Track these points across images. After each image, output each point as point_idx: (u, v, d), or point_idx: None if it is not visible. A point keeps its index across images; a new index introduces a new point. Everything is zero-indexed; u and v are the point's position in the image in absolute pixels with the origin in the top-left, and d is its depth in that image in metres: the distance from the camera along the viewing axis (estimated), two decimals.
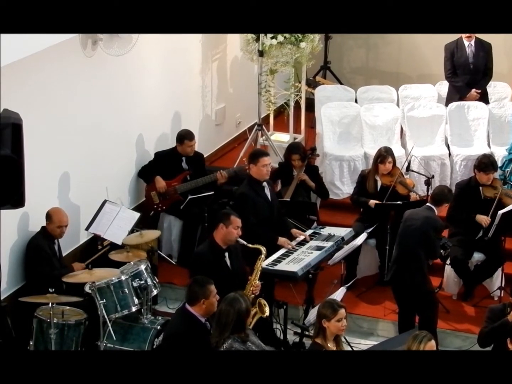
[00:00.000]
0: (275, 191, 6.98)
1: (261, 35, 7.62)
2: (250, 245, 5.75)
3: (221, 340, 4.82)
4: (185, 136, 7.14)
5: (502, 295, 6.62)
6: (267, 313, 5.52)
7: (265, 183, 6.49)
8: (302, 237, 6.49)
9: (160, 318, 5.99)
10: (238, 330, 4.83)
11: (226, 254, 5.78)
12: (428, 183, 6.85)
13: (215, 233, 5.77)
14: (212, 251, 5.72)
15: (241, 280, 5.71)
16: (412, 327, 5.97)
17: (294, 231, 6.53)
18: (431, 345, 4.61)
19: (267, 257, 5.99)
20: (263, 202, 6.44)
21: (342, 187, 7.68)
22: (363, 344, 6.38)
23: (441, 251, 6.24)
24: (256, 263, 5.72)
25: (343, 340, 5.87)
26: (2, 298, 5.50)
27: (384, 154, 6.82)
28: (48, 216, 6.05)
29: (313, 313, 5.66)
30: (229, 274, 5.69)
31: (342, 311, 4.84)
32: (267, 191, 6.50)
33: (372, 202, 6.74)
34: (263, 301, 5.54)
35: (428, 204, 6.21)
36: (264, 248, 5.78)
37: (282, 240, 6.38)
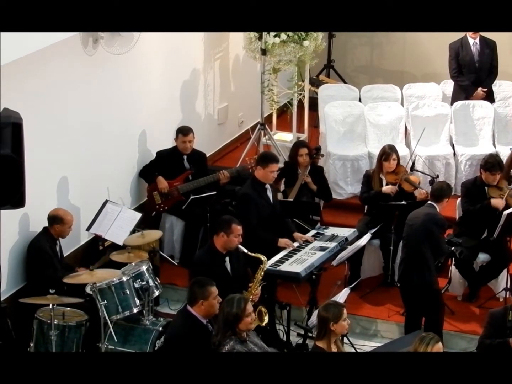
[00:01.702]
0: (278, 191, 6.93)
1: (264, 34, 7.58)
2: (251, 254, 5.70)
3: (217, 341, 4.80)
4: (180, 131, 7.11)
5: (507, 296, 6.56)
6: (266, 321, 5.49)
7: (267, 185, 6.44)
8: (304, 240, 6.44)
9: (161, 319, 5.95)
10: (230, 331, 4.81)
11: (227, 258, 5.75)
12: (433, 183, 6.80)
13: (215, 239, 5.72)
14: (211, 257, 5.69)
15: (242, 284, 5.66)
16: (418, 328, 5.91)
17: (296, 235, 6.48)
18: (439, 347, 4.58)
19: (268, 258, 5.93)
20: (265, 204, 6.39)
21: (346, 187, 7.64)
22: (367, 345, 6.36)
23: (452, 248, 6.16)
24: (257, 272, 5.68)
25: (347, 341, 5.86)
26: (2, 299, 5.47)
27: (388, 151, 6.78)
28: (59, 219, 5.99)
29: (316, 315, 5.61)
30: (229, 280, 5.65)
31: (345, 310, 4.90)
32: (269, 194, 6.46)
33: (386, 188, 6.66)
34: (264, 310, 5.51)
35: (429, 202, 6.16)
36: (265, 258, 5.74)
37: (283, 241, 6.33)
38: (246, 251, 5.69)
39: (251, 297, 5.57)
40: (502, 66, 8.01)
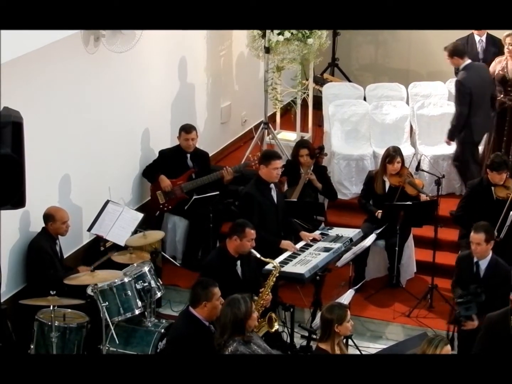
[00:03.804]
0: (282, 192, 6.87)
1: (268, 31, 7.54)
2: (263, 259, 5.68)
3: (222, 341, 4.76)
4: (182, 128, 7.06)
5: None
6: (275, 327, 5.44)
7: (272, 185, 6.39)
8: (311, 238, 6.38)
9: (164, 321, 5.93)
10: (238, 332, 4.77)
11: (238, 262, 5.72)
12: (438, 183, 6.74)
13: (228, 243, 5.70)
14: (222, 261, 5.66)
15: (252, 289, 5.61)
16: None
17: (303, 233, 6.43)
18: (447, 349, 4.54)
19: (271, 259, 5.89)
20: (269, 204, 6.34)
21: (351, 187, 7.59)
22: (371, 347, 6.31)
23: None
24: (269, 278, 5.65)
25: (351, 343, 5.80)
26: (2, 300, 5.44)
27: (393, 154, 6.72)
28: (50, 217, 5.96)
29: (320, 316, 5.55)
30: (240, 284, 5.60)
31: (349, 311, 4.88)
32: (274, 193, 6.40)
33: (379, 213, 6.63)
34: (275, 316, 5.49)
35: None
36: (277, 263, 5.71)
37: (285, 243, 6.28)
38: (258, 255, 5.66)
39: (262, 302, 5.54)
40: None
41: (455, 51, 7.16)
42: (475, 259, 5.77)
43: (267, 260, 5.66)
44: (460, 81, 7.09)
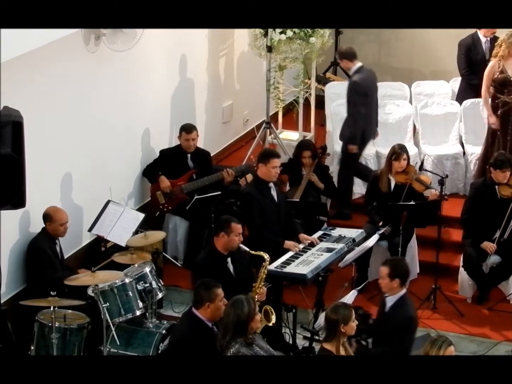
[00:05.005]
0: (283, 192, 6.84)
1: (270, 30, 7.52)
2: (252, 252, 5.66)
3: (225, 342, 4.73)
4: (183, 128, 7.03)
5: None
6: (273, 321, 5.41)
7: (271, 184, 6.36)
8: (309, 242, 6.34)
9: (165, 322, 5.89)
10: (240, 333, 4.75)
11: (229, 259, 5.68)
12: (442, 182, 6.70)
13: (216, 240, 5.67)
14: (213, 259, 5.63)
15: (245, 285, 5.58)
16: None
17: (302, 236, 6.39)
18: (451, 350, 4.51)
19: (272, 260, 5.86)
20: (269, 203, 6.30)
21: (354, 187, 7.54)
22: None
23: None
24: (260, 270, 5.62)
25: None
26: (2, 301, 5.42)
27: (399, 151, 6.69)
28: (48, 217, 5.93)
29: (323, 317, 5.51)
30: (232, 281, 5.57)
31: (353, 311, 4.86)
32: (274, 192, 6.37)
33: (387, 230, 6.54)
34: (270, 309, 5.44)
35: None
36: (267, 255, 5.67)
37: (288, 243, 6.24)
38: (247, 249, 5.64)
39: (256, 296, 5.49)
40: None
41: (345, 54, 7.15)
42: (385, 294, 5.29)
43: (257, 253, 5.62)
44: (358, 82, 7.04)
